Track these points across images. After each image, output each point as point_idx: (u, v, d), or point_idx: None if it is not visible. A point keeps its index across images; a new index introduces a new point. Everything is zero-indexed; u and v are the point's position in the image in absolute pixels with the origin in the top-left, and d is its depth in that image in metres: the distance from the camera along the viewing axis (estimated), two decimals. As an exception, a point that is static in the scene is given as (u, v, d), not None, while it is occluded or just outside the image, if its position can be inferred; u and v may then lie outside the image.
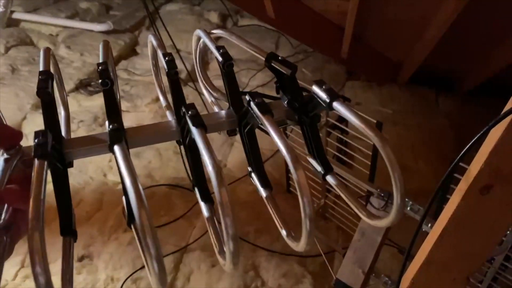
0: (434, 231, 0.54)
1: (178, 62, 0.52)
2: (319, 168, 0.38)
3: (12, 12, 2.79)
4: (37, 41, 2.67)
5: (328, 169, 0.38)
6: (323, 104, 0.35)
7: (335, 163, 1.23)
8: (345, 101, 1.21)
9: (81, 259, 1.41)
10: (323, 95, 0.35)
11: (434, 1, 1.54)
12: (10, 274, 1.35)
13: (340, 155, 1.27)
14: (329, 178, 0.38)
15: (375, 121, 1.02)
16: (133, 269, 1.37)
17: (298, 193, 0.29)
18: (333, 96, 0.34)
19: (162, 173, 1.73)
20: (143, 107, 2.07)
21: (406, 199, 0.98)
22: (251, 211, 1.55)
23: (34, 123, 1.90)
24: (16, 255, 1.38)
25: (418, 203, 0.94)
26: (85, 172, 1.71)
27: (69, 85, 2.22)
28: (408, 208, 0.96)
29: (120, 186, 1.76)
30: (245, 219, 1.52)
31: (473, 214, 0.49)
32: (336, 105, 0.34)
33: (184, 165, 1.67)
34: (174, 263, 1.40)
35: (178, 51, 2.15)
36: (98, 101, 2.14)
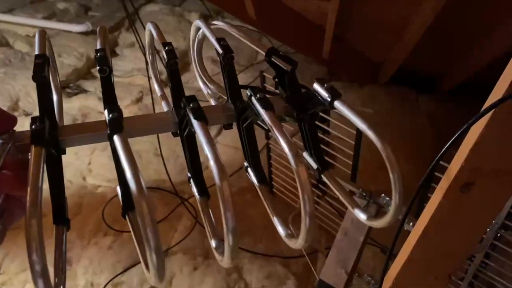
0: (416, 230, 0.54)
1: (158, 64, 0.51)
2: (315, 166, 0.38)
3: (-13, 12, 2.73)
4: (13, 42, 2.62)
5: (324, 167, 0.38)
6: (324, 103, 0.35)
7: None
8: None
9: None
10: (324, 93, 0.35)
11: (413, 1, 1.56)
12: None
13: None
14: (324, 176, 0.38)
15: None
16: (114, 273, 1.34)
17: (299, 190, 0.29)
18: (335, 94, 0.34)
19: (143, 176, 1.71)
20: (123, 108, 2.02)
21: (387, 198, 0.98)
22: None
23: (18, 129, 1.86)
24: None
25: (400, 202, 0.94)
26: (64, 176, 1.68)
27: (46, 87, 2.17)
28: (390, 208, 0.96)
29: (100, 190, 1.74)
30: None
31: (454, 212, 0.49)
32: (337, 104, 0.34)
33: (165, 167, 1.64)
34: (156, 266, 1.38)
35: (158, 52, 2.12)
36: (76, 103, 2.10)
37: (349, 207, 0.36)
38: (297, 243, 0.32)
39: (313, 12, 1.95)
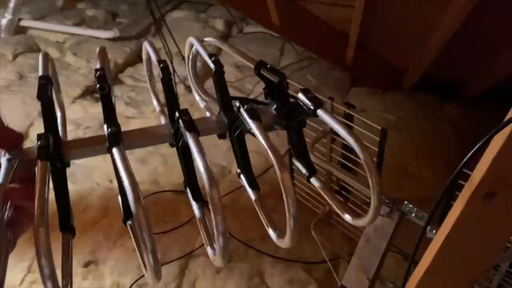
0: (438, 238, 0.54)
1: (183, 69, 0.53)
2: (304, 171, 0.41)
3: (20, 19, 2.82)
4: (44, 48, 2.70)
5: (312, 172, 0.40)
6: (308, 111, 0.37)
7: (340, 169, 1.23)
8: (350, 108, 1.22)
9: (87, 264, 1.41)
10: (308, 102, 0.37)
11: (439, 8, 1.55)
12: (17, 279, 1.36)
13: (345, 162, 1.28)
14: (313, 180, 0.40)
15: (380, 128, 1.03)
16: (139, 275, 1.37)
17: (284, 194, 0.32)
18: (317, 104, 0.37)
19: (168, 179, 1.74)
20: (149, 113, 2.09)
21: (411, 206, 0.98)
22: (256, 218, 1.53)
23: (41, 129, 1.91)
24: (22, 260, 1.39)
25: (423, 210, 0.94)
26: (91, 179, 1.72)
27: (75, 91, 2.24)
28: (413, 215, 0.96)
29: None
30: (250, 225, 1.53)
31: (476, 220, 0.50)
32: (320, 112, 0.37)
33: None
34: (180, 269, 1.40)
35: (184, 57, 2.16)
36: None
37: (334, 206, 0.39)
38: (284, 243, 0.35)
39: (337, 19, 1.95)
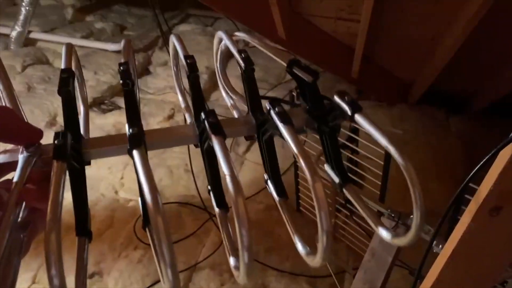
0: (444, 252, 0.54)
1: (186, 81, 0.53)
2: (336, 179, 0.37)
3: (29, 32, 2.87)
4: (53, 60, 2.74)
5: (345, 180, 0.37)
6: (345, 116, 0.34)
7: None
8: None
9: (91, 276, 1.41)
10: (345, 106, 0.34)
11: (445, 21, 1.55)
12: (21, 290, 1.36)
13: (351, 175, 1.27)
14: (346, 190, 0.37)
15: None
16: (143, 286, 1.37)
17: (316, 207, 0.29)
18: (356, 108, 0.34)
19: (173, 191, 1.74)
20: (155, 125, 2.10)
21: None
22: (261, 230, 1.55)
23: (49, 141, 1.93)
24: (27, 270, 1.39)
25: (430, 224, 0.94)
26: (97, 189, 1.73)
27: (83, 103, 2.26)
28: (419, 229, 0.95)
29: (132, 204, 1.78)
30: (255, 238, 1.52)
31: (483, 235, 0.49)
32: (358, 117, 0.33)
33: (195, 183, 1.68)
34: (184, 281, 1.40)
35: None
36: (111, 119, 2.17)
37: (372, 224, 0.35)
38: (315, 261, 0.31)
39: (343, 33, 1.97)
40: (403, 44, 1.85)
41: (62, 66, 0.37)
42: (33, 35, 2.88)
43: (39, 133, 0.34)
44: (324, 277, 1.40)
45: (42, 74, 2.53)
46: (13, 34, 2.79)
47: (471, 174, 0.45)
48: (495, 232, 0.49)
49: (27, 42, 2.86)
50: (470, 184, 0.54)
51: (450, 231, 0.55)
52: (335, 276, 1.31)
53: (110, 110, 2.25)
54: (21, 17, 2.78)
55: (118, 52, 2.75)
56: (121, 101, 2.34)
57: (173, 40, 0.45)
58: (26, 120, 0.36)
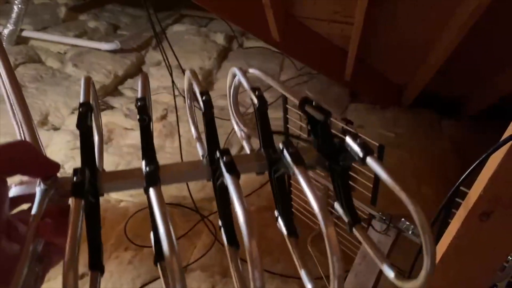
0: (435, 256, 0.54)
1: (182, 82, 0.53)
2: (346, 219, 0.38)
3: (21, 30, 2.84)
4: (45, 58, 2.72)
5: (355, 220, 0.37)
6: (356, 157, 0.35)
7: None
8: (348, 123, 1.22)
9: (81, 277, 1.40)
10: (357, 149, 0.35)
11: (438, 25, 1.56)
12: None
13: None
14: (356, 230, 0.37)
15: (377, 144, 1.03)
16: (133, 287, 1.36)
17: (328, 252, 0.29)
18: (367, 151, 0.34)
19: (164, 192, 1.73)
20: (148, 125, 2.09)
21: (408, 223, 0.98)
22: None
23: (43, 140, 1.91)
24: None
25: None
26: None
27: (75, 102, 2.24)
28: (410, 232, 0.96)
29: (123, 204, 1.76)
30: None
31: (472, 240, 0.49)
32: (369, 161, 0.33)
33: (187, 184, 1.67)
34: (174, 283, 1.39)
35: (183, 71, 2.17)
36: (103, 119, 2.14)
37: (378, 262, 0.35)
38: None
39: (336, 35, 1.97)
40: (397, 48, 1.86)
41: (81, 100, 0.37)
42: (25, 34, 2.85)
43: (56, 166, 0.35)
44: (315, 279, 1.39)
45: (34, 73, 2.51)
46: (5, 32, 2.76)
47: (461, 178, 0.46)
48: (485, 236, 0.49)
49: (19, 40, 2.83)
50: (461, 188, 0.54)
51: (441, 235, 0.55)
52: (326, 278, 1.31)
53: (102, 110, 2.24)
54: (14, 15, 2.76)
55: (112, 51, 2.74)
56: (113, 101, 2.33)
57: (188, 74, 0.46)
58: (44, 153, 0.36)
